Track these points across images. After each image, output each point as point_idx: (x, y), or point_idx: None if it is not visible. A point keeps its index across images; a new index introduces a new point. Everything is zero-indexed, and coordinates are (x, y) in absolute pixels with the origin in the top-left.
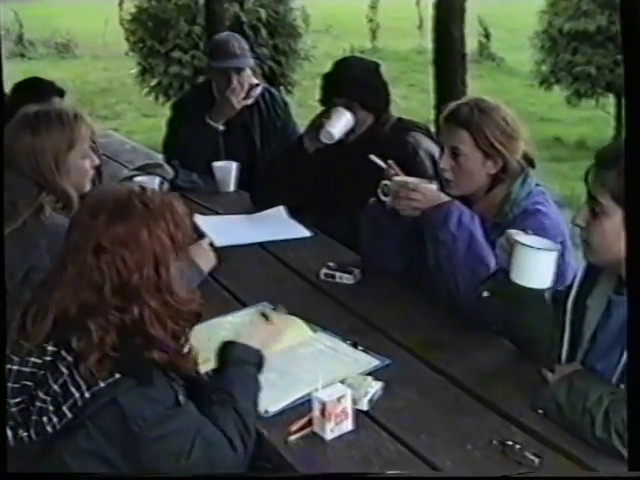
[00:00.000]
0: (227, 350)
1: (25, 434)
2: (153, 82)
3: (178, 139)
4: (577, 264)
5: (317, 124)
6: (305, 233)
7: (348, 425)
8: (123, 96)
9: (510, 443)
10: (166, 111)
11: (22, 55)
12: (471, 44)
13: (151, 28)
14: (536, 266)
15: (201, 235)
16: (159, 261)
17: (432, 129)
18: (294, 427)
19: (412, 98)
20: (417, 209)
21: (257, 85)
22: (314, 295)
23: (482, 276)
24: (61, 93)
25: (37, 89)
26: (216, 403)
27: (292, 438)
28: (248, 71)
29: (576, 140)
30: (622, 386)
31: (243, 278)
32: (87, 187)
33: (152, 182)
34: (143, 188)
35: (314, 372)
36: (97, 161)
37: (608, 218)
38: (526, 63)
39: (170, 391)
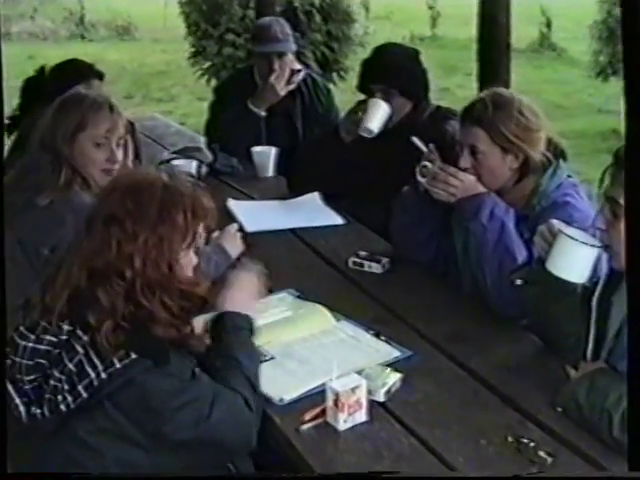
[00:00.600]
0: (220, 320)
1: (38, 411)
2: (206, 65)
3: (219, 123)
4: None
5: (353, 116)
6: (338, 221)
7: (362, 416)
8: (179, 79)
9: (525, 440)
10: None
11: (82, 37)
12: (532, 34)
13: (205, 11)
14: (576, 259)
15: (232, 220)
16: (164, 241)
17: None
18: (307, 416)
19: (468, 87)
20: (452, 195)
21: (299, 70)
22: (341, 283)
23: (509, 269)
24: (100, 76)
25: (75, 71)
26: (224, 369)
27: (304, 427)
28: (290, 56)
29: None
30: None
31: (271, 264)
32: (97, 176)
33: (189, 165)
34: (171, 176)
35: (333, 362)
36: (119, 159)
37: None
38: (587, 53)
39: (185, 366)
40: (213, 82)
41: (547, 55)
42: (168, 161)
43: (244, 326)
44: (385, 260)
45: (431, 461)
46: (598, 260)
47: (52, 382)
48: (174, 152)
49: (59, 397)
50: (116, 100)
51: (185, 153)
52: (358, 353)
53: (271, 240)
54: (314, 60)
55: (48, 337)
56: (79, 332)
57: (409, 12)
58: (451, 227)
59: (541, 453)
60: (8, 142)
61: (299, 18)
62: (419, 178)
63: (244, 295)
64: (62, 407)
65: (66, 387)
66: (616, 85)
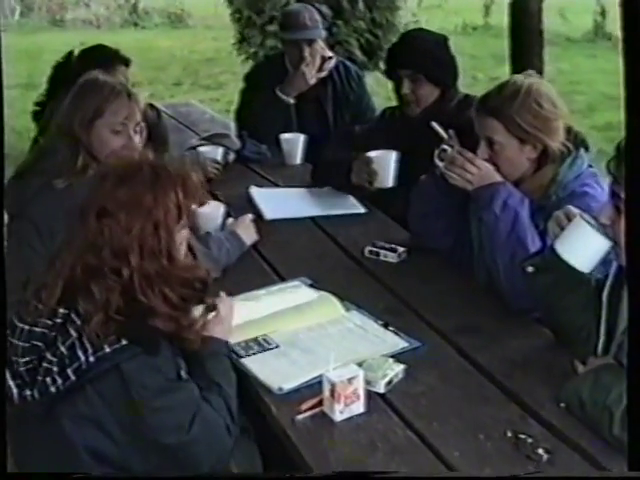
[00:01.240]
0: (202, 345)
1: (29, 393)
2: (251, 51)
3: (249, 110)
4: None
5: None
6: (360, 209)
7: (360, 407)
8: (228, 66)
9: (522, 436)
10: None
11: (135, 24)
12: (587, 24)
13: None
14: (587, 246)
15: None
16: (160, 226)
17: None
18: (304, 406)
19: None
20: (469, 182)
21: (330, 58)
22: (356, 272)
23: (521, 260)
24: (126, 62)
25: (101, 57)
26: (206, 389)
27: (300, 417)
28: (320, 43)
29: None
30: None
31: (288, 252)
32: None
33: (215, 152)
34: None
35: (337, 351)
36: (137, 145)
37: None
38: None
39: (173, 364)
40: None
41: (601, 45)
42: (195, 147)
43: (224, 352)
44: (401, 250)
45: (426, 455)
46: (607, 255)
47: (45, 364)
48: (202, 139)
49: (48, 379)
50: (164, 87)
51: (213, 140)
52: (364, 343)
53: (291, 228)
54: (358, 47)
55: (44, 320)
56: (73, 316)
57: (462, 1)
58: (469, 217)
59: (539, 450)
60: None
61: (342, 6)
62: (437, 162)
63: (224, 325)
64: (52, 389)
65: (56, 369)
66: None
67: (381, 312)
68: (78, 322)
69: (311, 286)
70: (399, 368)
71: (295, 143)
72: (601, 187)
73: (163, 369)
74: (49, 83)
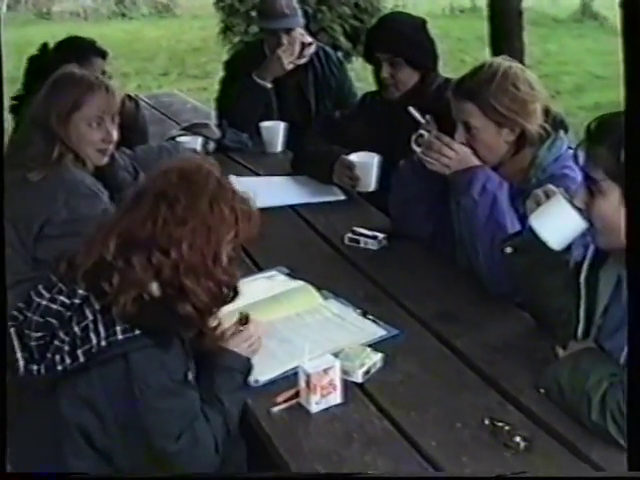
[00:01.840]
0: (218, 354)
1: (35, 368)
2: (235, 40)
3: (228, 98)
4: None
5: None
6: (341, 196)
7: (336, 398)
8: (215, 55)
9: (500, 424)
10: None
11: (123, 15)
12: (573, 3)
13: None
14: (563, 224)
15: None
16: (212, 231)
17: None
18: (280, 398)
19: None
20: (446, 167)
21: (310, 44)
22: (336, 261)
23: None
24: (103, 54)
25: (77, 49)
26: (206, 403)
27: (276, 409)
28: (299, 30)
29: None
30: None
31: (267, 242)
32: (92, 156)
33: (194, 142)
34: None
35: (315, 341)
36: (114, 137)
37: (605, 197)
38: None
39: (182, 365)
40: None
41: (589, 25)
42: (174, 138)
43: (239, 369)
44: (382, 236)
45: (402, 445)
46: (581, 237)
47: (56, 342)
48: (182, 129)
49: (57, 357)
50: (152, 77)
51: (192, 130)
52: (341, 332)
53: (270, 217)
54: (343, 34)
55: (62, 298)
56: (92, 299)
57: None
58: (449, 203)
59: (516, 438)
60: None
61: None
62: (414, 147)
63: (250, 343)
64: (59, 367)
65: (67, 349)
66: None
67: (360, 300)
68: (96, 306)
69: (288, 275)
70: (377, 357)
71: (275, 131)
72: None
73: (170, 367)
74: (25, 76)
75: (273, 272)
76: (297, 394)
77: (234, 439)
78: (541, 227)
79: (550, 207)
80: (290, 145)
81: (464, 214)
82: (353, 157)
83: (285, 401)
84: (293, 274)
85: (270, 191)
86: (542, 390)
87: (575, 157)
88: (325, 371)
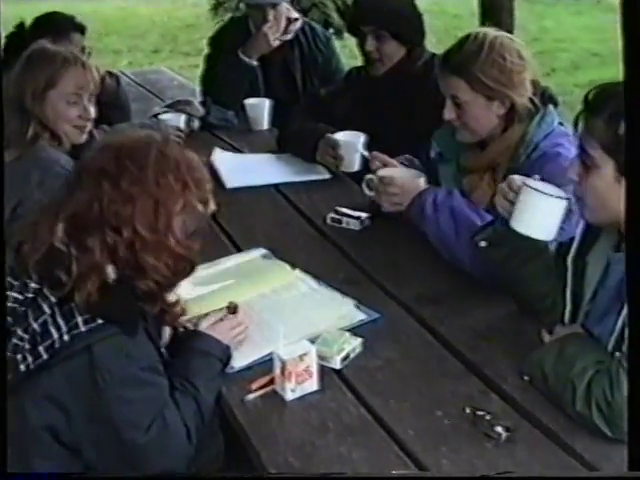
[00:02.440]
0: (196, 339)
1: None
2: (226, 17)
3: (213, 74)
4: None
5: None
6: (325, 175)
7: (313, 385)
8: (207, 32)
9: (481, 413)
10: None
11: None
12: None
13: None
14: (543, 214)
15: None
16: (160, 205)
17: None
18: (254, 385)
19: None
20: (398, 205)
21: (296, 19)
22: (317, 241)
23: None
24: (81, 29)
25: (55, 25)
26: (179, 391)
27: (250, 397)
28: (285, 5)
29: None
30: (617, 354)
31: (248, 222)
32: (69, 133)
33: (178, 119)
34: (166, 140)
35: (292, 323)
36: (91, 115)
37: (599, 171)
38: None
39: (149, 351)
40: None
41: (585, 2)
42: (157, 115)
43: (218, 355)
44: (364, 216)
45: (379, 434)
46: (569, 214)
47: (14, 340)
48: (165, 106)
49: (19, 356)
50: (143, 54)
51: (176, 107)
52: (319, 310)
53: (252, 196)
54: (335, 10)
55: (13, 294)
56: (46, 291)
57: None
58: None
59: (497, 427)
60: None
61: None
62: (367, 192)
63: (234, 333)
64: (22, 367)
65: (27, 347)
66: None
67: (341, 283)
68: (52, 298)
69: (265, 257)
70: (357, 342)
71: (260, 108)
72: (574, 147)
73: (137, 355)
74: (3, 53)
75: (252, 253)
76: (272, 381)
77: (210, 429)
78: (526, 228)
79: (525, 204)
80: (276, 123)
81: (434, 237)
82: (338, 136)
83: (259, 388)
84: (268, 255)
85: (253, 169)
86: (526, 377)
87: (575, 126)
88: (301, 357)
